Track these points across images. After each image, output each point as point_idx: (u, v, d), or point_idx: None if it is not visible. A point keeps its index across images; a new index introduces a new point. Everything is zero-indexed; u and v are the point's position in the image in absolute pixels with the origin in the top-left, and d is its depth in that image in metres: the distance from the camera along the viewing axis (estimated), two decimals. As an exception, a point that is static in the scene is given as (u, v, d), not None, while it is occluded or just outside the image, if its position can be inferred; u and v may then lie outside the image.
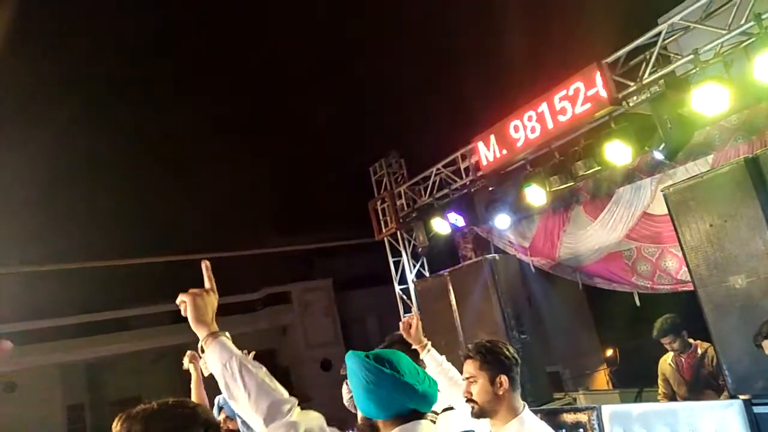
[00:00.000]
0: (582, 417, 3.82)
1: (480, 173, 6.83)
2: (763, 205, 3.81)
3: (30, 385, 16.42)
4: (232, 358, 1.61)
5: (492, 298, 6.83)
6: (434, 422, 1.90)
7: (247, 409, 1.58)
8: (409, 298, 8.84)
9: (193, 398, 4.23)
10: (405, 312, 8.96)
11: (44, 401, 16.54)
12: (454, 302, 7.21)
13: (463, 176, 7.30)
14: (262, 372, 1.63)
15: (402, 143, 9.08)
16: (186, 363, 4.15)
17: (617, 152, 5.34)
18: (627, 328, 7.47)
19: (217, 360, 1.62)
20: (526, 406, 2.38)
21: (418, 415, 1.83)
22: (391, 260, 9.19)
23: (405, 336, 3.06)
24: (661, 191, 4.64)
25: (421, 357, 2.86)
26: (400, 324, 3.15)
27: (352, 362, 1.86)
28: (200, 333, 1.66)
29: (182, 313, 1.68)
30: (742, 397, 3.45)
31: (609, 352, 10.68)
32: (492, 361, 2.37)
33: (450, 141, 7.61)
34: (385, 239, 9.15)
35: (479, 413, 2.38)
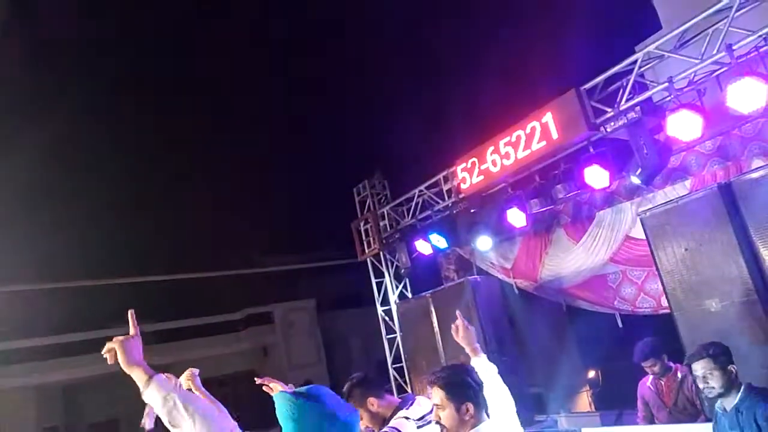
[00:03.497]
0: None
1: (461, 195, 6.89)
2: (737, 230, 3.90)
3: (5, 407, 16.01)
4: (171, 391, 1.76)
5: (473, 319, 6.84)
6: None
7: None
8: (392, 319, 8.82)
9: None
10: (387, 333, 8.94)
11: (20, 423, 16.13)
12: (436, 324, 7.22)
13: (446, 198, 7.35)
14: (203, 400, 1.79)
15: (385, 165, 9.14)
16: (185, 380, 4.05)
17: (596, 176, 5.43)
18: (609, 350, 7.50)
19: (157, 394, 1.75)
20: (487, 420, 2.49)
21: None
22: (374, 281, 9.18)
23: (456, 338, 3.08)
24: (638, 215, 4.72)
25: (471, 363, 2.93)
26: (452, 327, 3.13)
27: (279, 399, 1.93)
28: (136, 375, 1.81)
29: (110, 361, 1.83)
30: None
31: (591, 374, 10.70)
32: (457, 392, 2.49)
33: (432, 163, 7.70)
34: (368, 260, 9.15)
35: None
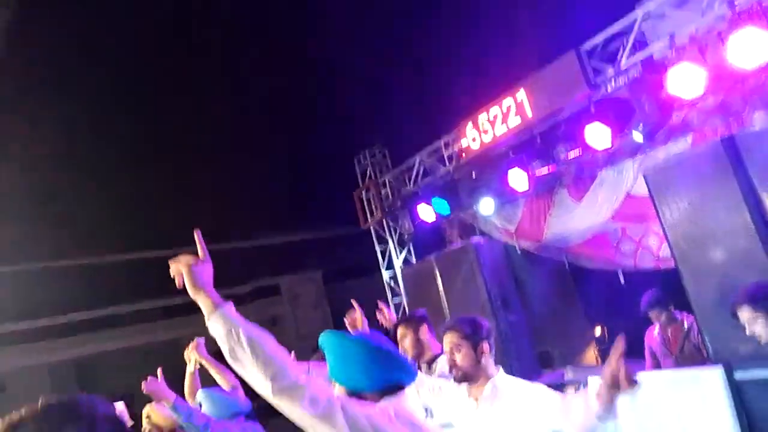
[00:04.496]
0: (569, 390, 3.94)
1: (462, 160, 6.92)
2: (740, 183, 3.94)
3: (19, 385, 16.33)
4: (237, 324, 1.63)
5: (478, 281, 6.97)
6: None
7: (253, 371, 1.59)
8: (397, 284, 8.95)
9: (186, 389, 4.27)
10: (393, 298, 9.07)
11: (33, 401, 16.42)
12: (441, 287, 7.33)
13: (447, 163, 7.38)
14: (269, 337, 1.66)
15: (385, 133, 9.13)
16: (190, 351, 4.14)
17: (597, 134, 5.45)
18: (613, 306, 7.59)
19: (222, 326, 1.63)
20: (501, 368, 2.61)
21: (402, 388, 1.89)
22: (378, 249, 9.28)
23: (349, 326, 3.28)
24: (641, 171, 4.75)
25: None
26: (346, 320, 3.33)
27: (332, 338, 1.90)
28: (201, 300, 1.67)
29: (178, 285, 1.70)
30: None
31: (597, 331, 10.86)
32: (475, 330, 2.58)
33: (432, 129, 7.69)
34: (371, 228, 9.22)
35: (462, 378, 2.59)
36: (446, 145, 7.37)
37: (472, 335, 2.56)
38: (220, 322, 1.63)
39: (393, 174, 8.48)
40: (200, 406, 3.90)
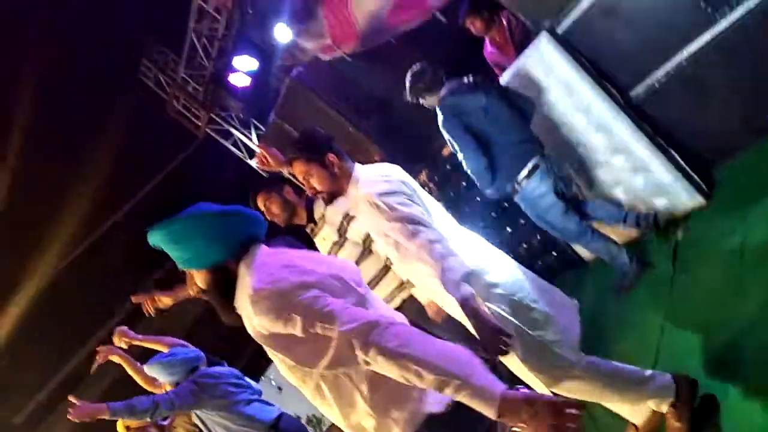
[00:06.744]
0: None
1: (227, 4, 6.07)
2: None
3: None
4: None
5: (327, 110, 6.54)
6: None
7: None
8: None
9: (137, 377, 3.91)
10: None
11: None
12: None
13: (219, 17, 6.50)
14: None
15: (146, 32, 7.91)
16: (118, 341, 3.77)
17: None
18: (458, 49, 7.36)
19: None
20: (355, 163, 2.34)
21: (258, 239, 1.72)
22: (228, 144, 8.52)
23: (267, 168, 2.92)
24: None
25: None
26: (254, 162, 2.88)
27: (162, 229, 1.65)
28: None
29: None
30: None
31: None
32: (313, 148, 2.30)
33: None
34: (208, 131, 8.40)
35: (330, 199, 2.35)
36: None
37: (315, 153, 2.28)
38: None
39: (183, 64, 7.50)
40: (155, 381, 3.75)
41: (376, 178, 2.23)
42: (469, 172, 3.42)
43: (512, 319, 2.05)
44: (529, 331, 2.05)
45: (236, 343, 4.83)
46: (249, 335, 1.63)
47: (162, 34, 7.79)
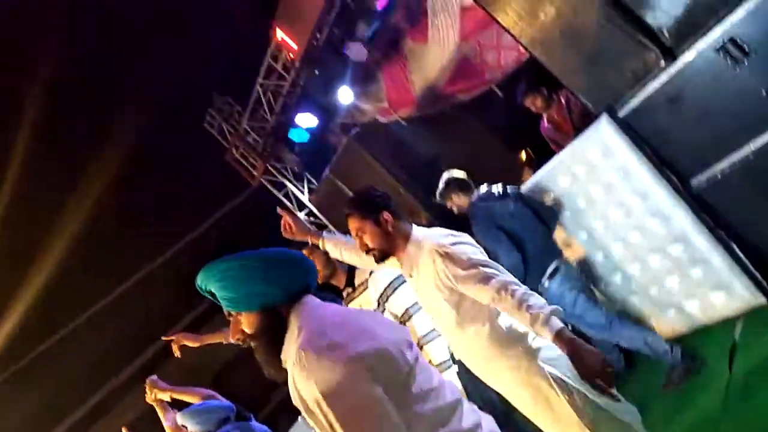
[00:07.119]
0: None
1: (295, 64, 6.36)
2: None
3: None
4: None
5: (377, 170, 6.65)
6: None
7: None
8: (317, 216, 8.53)
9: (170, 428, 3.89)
10: (324, 231, 8.66)
11: None
12: (350, 193, 6.97)
13: (286, 76, 6.79)
14: None
15: (215, 84, 8.34)
16: (151, 393, 3.80)
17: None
18: (510, 122, 7.40)
19: None
20: (413, 224, 2.40)
21: (309, 290, 1.63)
22: (280, 195, 8.73)
23: (290, 236, 2.96)
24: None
25: (322, 247, 2.85)
26: (281, 228, 3.01)
27: (216, 267, 1.56)
28: None
29: None
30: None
31: (523, 156, 10.87)
32: (369, 206, 2.37)
33: (254, 49, 7.02)
34: (262, 180, 8.63)
35: (382, 257, 2.39)
36: (274, 57, 6.76)
37: (369, 211, 2.35)
38: None
39: (247, 116, 7.82)
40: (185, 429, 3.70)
41: (440, 234, 2.31)
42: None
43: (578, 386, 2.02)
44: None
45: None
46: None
47: (229, 87, 8.18)
